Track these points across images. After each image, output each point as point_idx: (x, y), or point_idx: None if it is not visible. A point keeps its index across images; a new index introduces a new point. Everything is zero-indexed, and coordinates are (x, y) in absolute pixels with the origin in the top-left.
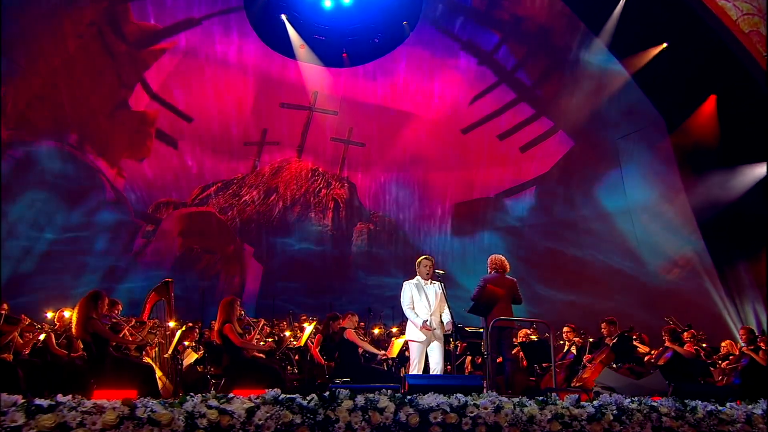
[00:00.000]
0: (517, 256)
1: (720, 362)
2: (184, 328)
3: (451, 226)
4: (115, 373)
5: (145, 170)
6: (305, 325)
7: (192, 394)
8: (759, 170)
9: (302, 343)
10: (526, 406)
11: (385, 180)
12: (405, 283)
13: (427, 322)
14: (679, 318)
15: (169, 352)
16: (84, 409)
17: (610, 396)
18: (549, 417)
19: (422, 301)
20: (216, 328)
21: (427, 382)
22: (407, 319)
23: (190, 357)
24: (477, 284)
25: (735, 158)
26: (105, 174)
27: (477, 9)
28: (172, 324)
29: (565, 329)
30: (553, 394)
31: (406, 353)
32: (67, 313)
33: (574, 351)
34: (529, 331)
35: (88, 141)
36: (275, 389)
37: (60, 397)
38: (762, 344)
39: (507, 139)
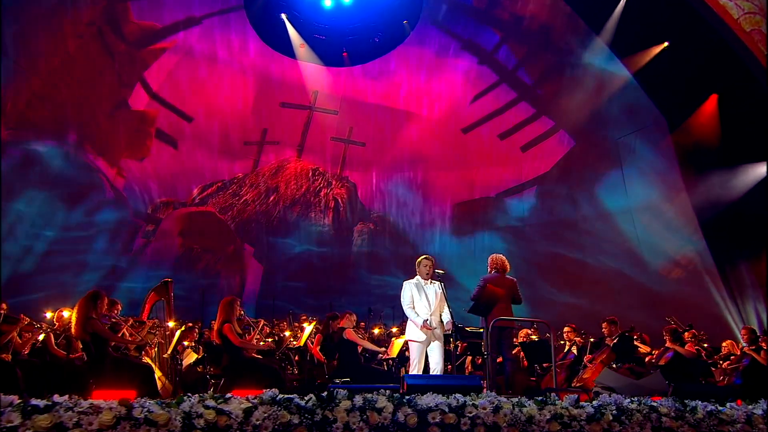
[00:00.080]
0: (518, 255)
1: (721, 362)
2: (183, 328)
3: (452, 225)
4: (114, 374)
5: (145, 170)
6: (305, 325)
7: (189, 394)
8: (760, 169)
9: (302, 343)
10: (525, 407)
11: (386, 180)
12: (405, 282)
13: (428, 322)
14: (680, 318)
15: (169, 352)
16: (80, 410)
17: (610, 396)
18: (548, 417)
19: (422, 301)
20: (215, 328)
21: (425, 382)
22: (407, 319)
23: (190, 357)
24: (477, 284)
25: (736, 157)
26: (105, 174)
27: (477, 8)
28: (171, 324)
29: (565, 329)
30: (553, 394)
31: (406, 353)
32: (66, 313)
33: (575, 351)
34: (529, 331)
35: (87, 141)
36: (273, 389)
37: (56, 398)
38: (763, 344)
39: (508, 139)
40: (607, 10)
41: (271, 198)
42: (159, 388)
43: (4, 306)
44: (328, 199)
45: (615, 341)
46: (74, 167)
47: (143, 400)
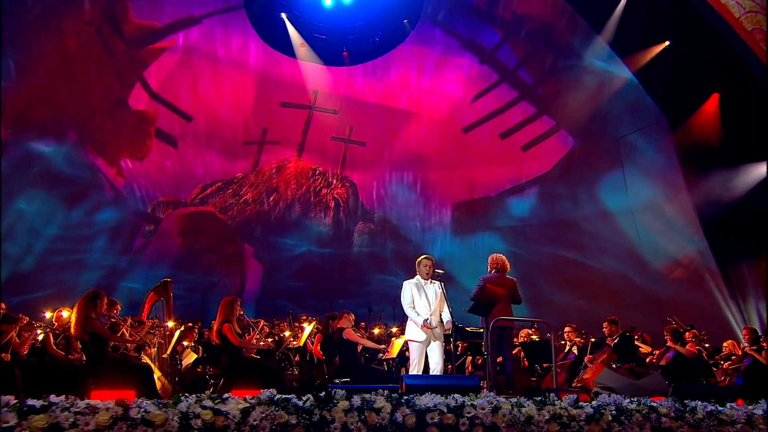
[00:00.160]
0: (518, 255)
1: (722, 362)
2: (182, 328)
3: (452, 225)
4: (113, 374)
5: (144, 169)
6: (305, 325)
7: (186, 394)
8: (762, 169)
9: (301, 343)
10: (524, 407)
11: (386, 179)
12: (405, 282)
13: (428, 321)
14: (681, 318)
15: (168, 352)
16: (77, 410)
17: (609, 396)
18: (547, 417)
19: (422, 301)
20: (215, 327)
21: (424, 383)
22: (407, 319)
23: (190, 357)
24: (477, 284)
25: (738, 157)
26: (104, 173)
27: (478, 7)
28: (170, 324)
29: (566, 329)
30: (552, 394)
31: (406, 353)
32: (65, 313)
33: (576, 351)
34: (530, 331)
35: (87, 140)
36: (271, 389)
37: (53, 398)
38: (765, 344)
39: (508, 138)
40: (608, 9)
41: (271, 198)
42: (158, 389)
43: (3, 306)
44: (328, 199)
45: (616, 341)
46: (74, 167)
47: (140, 400)
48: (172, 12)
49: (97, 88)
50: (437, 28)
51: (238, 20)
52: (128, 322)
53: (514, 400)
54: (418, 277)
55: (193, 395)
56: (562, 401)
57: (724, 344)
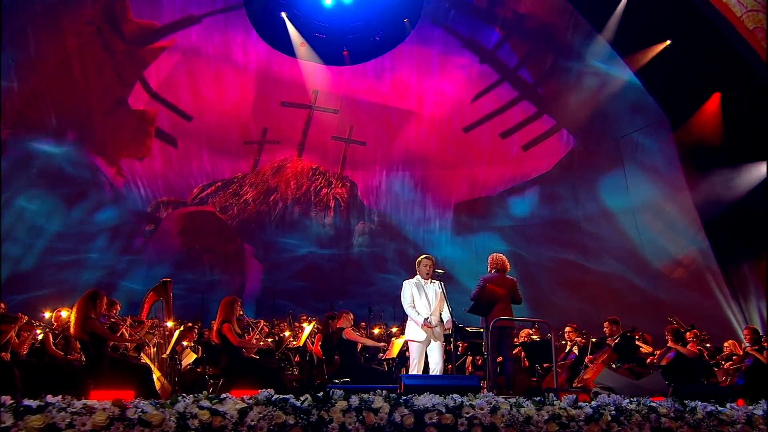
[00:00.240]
0: (519, 255)
1: (723, 363)
2: (182, 328)
3: (452, 225)
4: (113, 374)
5: (144, 169)
6: (304, 325)
7: (184, 394)
8: (763, 168)
9: (301, 343)
10: (523, 407)
11: (386, 179)
12: (405, 282)
13: (428, 320)
14: (682, 318)
15: (167, 352)
16: (73, 410)
17: (609, 396)
18: (546, 418)
19: (422, 301)
20: (215, 327)
21: (423, 383)
22: (407, 318)
23: (189, 357)
24: (477, 284)
25: (739, 156)
26: (104, 173)
27: (479, 6)
28: (170, 324)
29: (566, 329)
30: (551, 394)
31: (407, 353)
32: (64, 313)
33: (576, 351)
34: (530, 331)
35: (87, 140)
36: (269, 389)
37: (49, 398)
38: (766, 344)
39: (509, 138)
40: (608, 8)
41: (272, 197)
42: (158, 389)
43: (2, 306)
44: (328, 199)
45: (616, 341)
46: (73, 166)
47: (137, 400)
48: (172, 11)
49: (96, 88)
50: (437, 28)
51: (238, 19)
52: (128, 322)
53: (512, 400)
54: (418, 276)
55: (191, 395)
56: (561, 401)
57: (725, 344)
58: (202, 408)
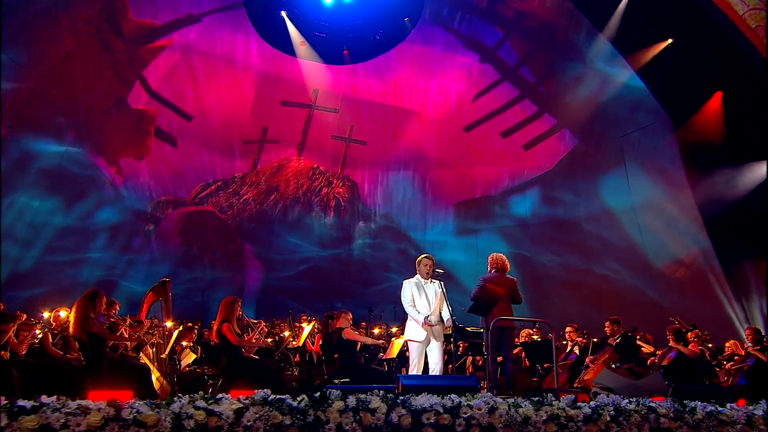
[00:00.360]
0: (519, 254)
1: (725, 363)
2: (181, 328)
3: (453, 224)
4: (111, 374)
5: (144, 169)
6: (304, 325)
7: (180, 395)
8: (765, 168)
9: (300, 342)
10: (521, 407)
11: (387, 178)
12: (405, 281)
13: (428, 318)
14: (684, 317)
15: (166, 352)
16: (68, 411)
17: (608, 397)
18: (544, 418)
19: (422, 300)
20: (215, 327)
21: (421, 383)
22: (407, 318)
23: (189, 357)
24: (477, 284)
25: (741, 155)
26: (104, 172)
27: (479, 5)
28: (169, 324)
29: (567, 329)
30: (550, 394)
31: (407, 353)
32: (63, 313)
33: (577, 351)
34: (531, 331)
35: (86, 139)
36: (265, 390)
37: (44, 398)
38: None
39: (510, 137)
40: (610, 6)
41: (272, 197)
42: (157, 389)
43: (0, 306)
44: (328, 198)
45: (618, 341)
46: (73, 166)
47: (132, 400)
48: (172, 10)
49: (96, 87)
50: (438, 27)
51: (237, 18)
52: (127, 322)
53: (511, 400)
54: (418, 276)
55: (186, 395)
56: (560, 401)
57: (727, 344)
58: (197, 408)
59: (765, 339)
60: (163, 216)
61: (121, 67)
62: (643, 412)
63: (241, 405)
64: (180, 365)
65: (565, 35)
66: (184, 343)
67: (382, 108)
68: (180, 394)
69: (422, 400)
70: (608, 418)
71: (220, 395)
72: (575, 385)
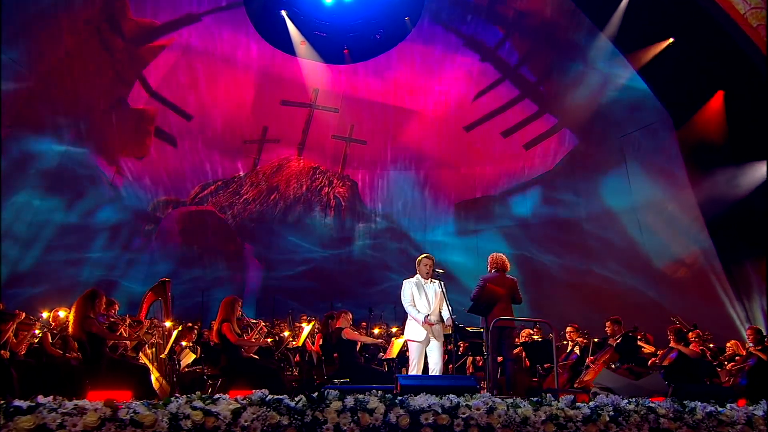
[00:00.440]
0: (520, 254)
1: (726, 363)
2: (180, 328)
3: (453, 224)
4: (110, 374)
5: (144, 168)
6: (304, 325)
7: (177, 395)
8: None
9: (300, 342)
10: (520, 407)
11: (387, 178)
12: (405, 281)
13: (428, 318)
14: (685, 317)
15: (165, 352)
16: (64, 411)
17: (607, 397)
18: (543, 418)
19: (422, 300)
20: (215, 327)
21: (419, 383)
22: (407, 318)
23: (188, 357)
24: (477, 284)
25: (742, 155)
26: (104, 172)
27: (480, 4)
28: (168, 324)
29: (568, 329)
30: (549, 395)
31: (407, 353)
32: (62, 313)
33: (578, 351)
34: (531, 331)
35: (86, 139)
36: (262, 390)
37: (40, 398)
38: None
39: (510, 137)
40: (611, 5)
41: (272, 197)
42: (157, 389)
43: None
44: (329, 198)
45: (618, 341)
46: (73, 166)
47: (132, 400)
48: (172, 10)
49: (96, 87)
50: (438, 26)
51: (237, 18)
52: (126, 322)
53: (510, 400)
54: (418, 276)
55: (184, 396)
56: (559, 402)
57: (728, 344)
58: (194, 408)
59: (766, 339)
60: (163, 216)
61: (121, 67)
62: (642, 413)
63: (239, 405)
64: (179, 365)
65: (566, 35)
66: (184, 343)
67: (383, 107)
68: (177, 394)
69: (420, 401)
70: (607, 419)
71: (217, 395)
72: (576, 385)
